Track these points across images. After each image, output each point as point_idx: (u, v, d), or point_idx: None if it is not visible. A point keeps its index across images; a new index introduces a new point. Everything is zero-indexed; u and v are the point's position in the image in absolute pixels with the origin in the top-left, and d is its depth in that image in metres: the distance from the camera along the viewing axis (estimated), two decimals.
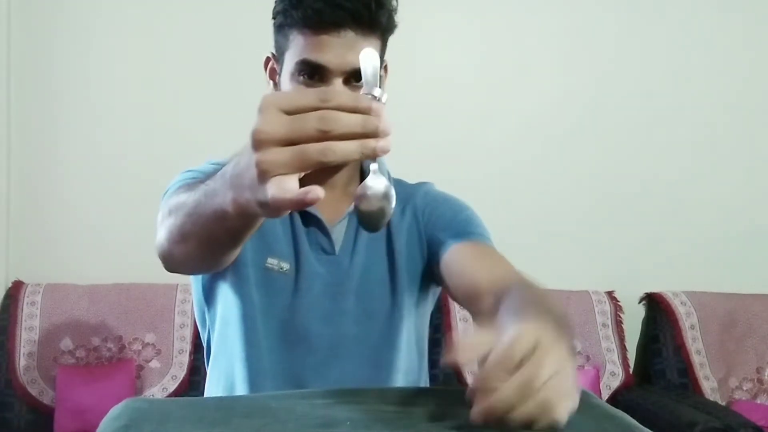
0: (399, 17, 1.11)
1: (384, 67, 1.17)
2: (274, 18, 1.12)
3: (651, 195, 2.98)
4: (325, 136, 0.60)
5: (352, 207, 1.17)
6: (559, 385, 0.65)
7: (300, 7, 1.06)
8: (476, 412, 0.63)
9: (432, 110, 2.85)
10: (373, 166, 0.66)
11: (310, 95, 0.61)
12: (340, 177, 1.18)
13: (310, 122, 0.60)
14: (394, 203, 0.66)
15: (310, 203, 0.62)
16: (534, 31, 2.93)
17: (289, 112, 0.61)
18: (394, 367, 1.17)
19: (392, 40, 1.13)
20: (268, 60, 1.17)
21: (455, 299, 1.14)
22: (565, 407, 0.65)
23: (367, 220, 0.67)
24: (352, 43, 1.05)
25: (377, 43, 1.09)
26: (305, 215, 1.17)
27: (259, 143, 0.61)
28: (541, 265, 2.93)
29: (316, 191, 0.61)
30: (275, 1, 1.11)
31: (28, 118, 2.70)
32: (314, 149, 0.60)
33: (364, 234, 1.18)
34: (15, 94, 2.68)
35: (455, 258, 1.12)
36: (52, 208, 2.73)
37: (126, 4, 2.74)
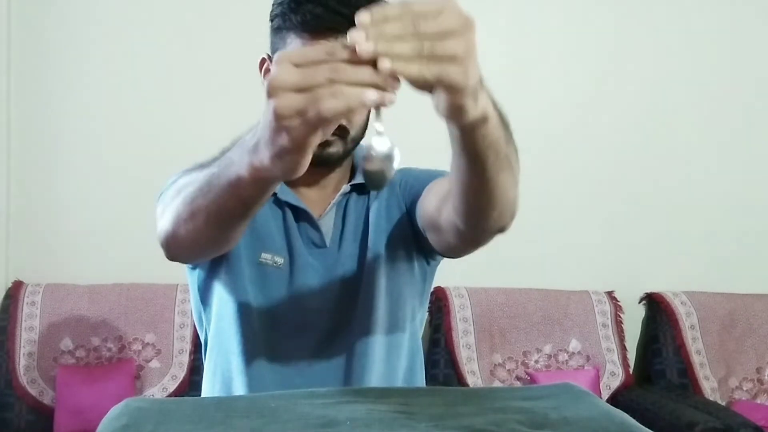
0: None
1: None
2: (271, 20, 1.12)
3: (651, 195, 2.98)
4: (334, 84, 0.64)
5: (336, 198, 1.20)
6: (460, 45, 0.65)
7: (299, 11, 1.06)
8: (364, 49, 0.63)
9: (429, 110, 2.84)
10: (379, 127, 0.68)
11: (319, 50, 0.66)
12: (333, 177, 1.21)
13: (321, 71, 0.65)
14: (396, 163, 0.69)
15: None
16: (533, 30, 2.93)
17: (301, 66, 0.66)
18: (372, 339, 1.18)
19: None
20: (263, 61, 1.18)
21: (433, 227, 1.10)
22: (465, 69, 0.66)
23: (371, 179, 0.70)
24: None
25: None
26: (296, 211, 1.19)
27: (273, 90, 0.66)
28: (541, 265, 2.94)
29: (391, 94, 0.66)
30: (273, 4, 1.12)
31: (28, 118, 2.70)
32: (325, 92, 0.64)
33: (349, 223, 1.21)
34: (15, 95, 2.68)
35: (427, 189, 1.14)
36: (51, 208, 2.72)
37: (126, 4, 2.74)
